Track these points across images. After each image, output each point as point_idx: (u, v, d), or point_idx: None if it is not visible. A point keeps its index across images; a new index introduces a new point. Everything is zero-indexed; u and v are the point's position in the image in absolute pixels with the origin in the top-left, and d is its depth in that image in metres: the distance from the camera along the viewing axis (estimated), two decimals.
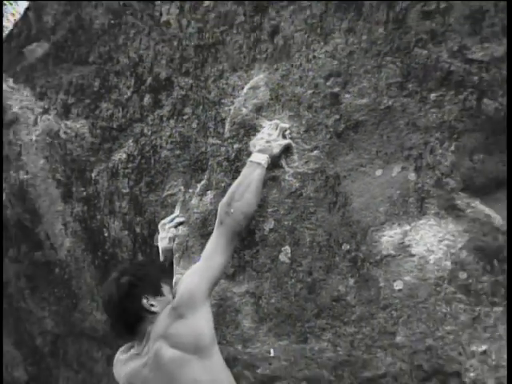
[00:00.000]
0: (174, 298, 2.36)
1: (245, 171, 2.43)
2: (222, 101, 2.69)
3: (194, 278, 2.34)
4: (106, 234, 3.01)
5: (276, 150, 2.43)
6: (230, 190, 2.42)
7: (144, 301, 2.36)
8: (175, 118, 2.82)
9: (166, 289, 2.43)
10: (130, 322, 2.39)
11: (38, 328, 3.51)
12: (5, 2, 9.18)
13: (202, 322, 2.28)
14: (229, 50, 2.71)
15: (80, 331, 3.29)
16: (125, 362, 2.46)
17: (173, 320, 2.28)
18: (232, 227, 2.37)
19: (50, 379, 3.58)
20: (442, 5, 2.18)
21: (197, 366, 2.24)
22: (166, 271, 2.54)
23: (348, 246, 2.29)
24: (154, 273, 2.50)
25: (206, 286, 2.32)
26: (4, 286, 3.57)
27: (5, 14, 9.47)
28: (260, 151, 2.44)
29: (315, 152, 2.40)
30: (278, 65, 2.55)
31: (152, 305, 2.36)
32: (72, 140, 3.11)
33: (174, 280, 2.56)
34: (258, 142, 2.48)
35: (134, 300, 2.36)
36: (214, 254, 2.36)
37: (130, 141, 2.92)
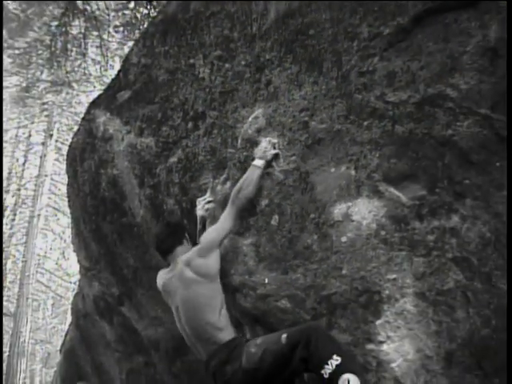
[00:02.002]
0: (199, 243, 2.47)
1: (249, 170, 2.45)
2: (236, 125, 2.68)
3: (212, 234, 2.45)
4: (164, 207, 3.02)
5: (269, 157, 2.44)
6: (240, 182, 2.44)
7: (186, 235, 2.58)
8: (207, 136, 2.81)
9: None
10: (173, 243, 2.53)
11: (124, 263, 3.53)
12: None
13: (212, 260, 2.39)
14: (240, 94, 2.70)
15: (149, 266, 3.31)
16: (162, 276, 2.59)
17: (196, 257, 2.39)
18: (238, 206, 2.43)
19: (131, 294, 3.62)
20: (370, 68, 2.18)
21: (203, 286, 2.35)
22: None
23: (313, 215, 2.29)
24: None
25: (219, 239, 2.43)
26: (104, 238, 3.59)
27: (104, 77, 9.16)
28: (259, 157, 2.45)
29: (293, 157, 2.41)
30: (270, 103, 2.55)
31: (187, 239, 2.57)
32: (144, 150, 3.11)
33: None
34: (258, 151, 2.48)
35: (182, 231, 2.60)
36: (225, 221, 2.43)
37: (179, 150, 2.92)
